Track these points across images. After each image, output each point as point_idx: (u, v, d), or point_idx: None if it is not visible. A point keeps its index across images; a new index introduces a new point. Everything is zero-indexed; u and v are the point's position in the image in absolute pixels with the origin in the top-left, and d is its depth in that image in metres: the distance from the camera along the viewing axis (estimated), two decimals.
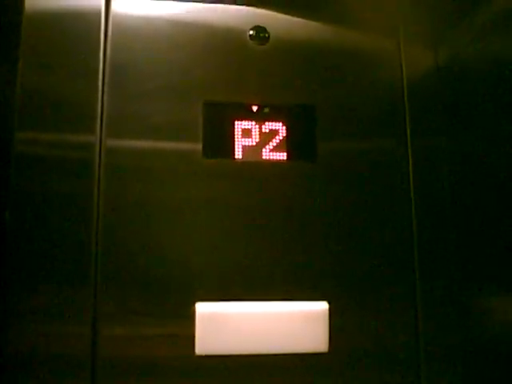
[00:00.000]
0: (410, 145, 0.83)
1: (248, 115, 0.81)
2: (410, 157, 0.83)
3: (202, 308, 0.74)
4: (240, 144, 0.80)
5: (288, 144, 0.81)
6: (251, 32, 0.84)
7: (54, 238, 0.74)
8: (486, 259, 0.82)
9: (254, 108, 0.81)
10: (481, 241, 0.82)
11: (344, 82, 0.84)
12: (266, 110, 0.82)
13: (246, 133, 0.81)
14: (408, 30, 0.87)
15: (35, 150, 0.75)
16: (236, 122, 0.80)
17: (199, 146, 0.79)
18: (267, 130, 0.81)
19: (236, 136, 0.80)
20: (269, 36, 0.84)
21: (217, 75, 0.82)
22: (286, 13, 0.85)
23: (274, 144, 0.81)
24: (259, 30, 0.84)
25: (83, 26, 0.79)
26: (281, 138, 0.81)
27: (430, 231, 0.82)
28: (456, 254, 0.81)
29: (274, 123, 0.81)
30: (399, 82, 0.85)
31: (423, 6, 0.89)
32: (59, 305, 0.72)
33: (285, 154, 0.81)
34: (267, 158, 0.80)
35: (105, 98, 0.78)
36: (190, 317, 0.74)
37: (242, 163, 0.80)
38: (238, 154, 0.80)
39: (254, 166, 0.80)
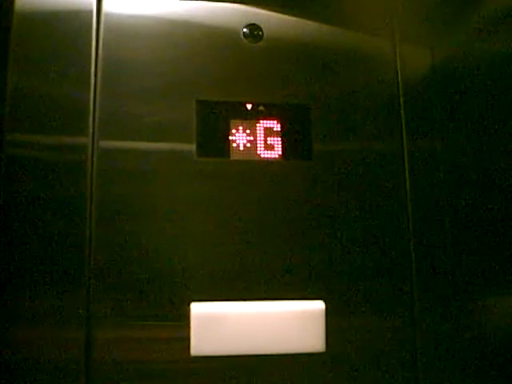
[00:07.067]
0: (406, 145, 0.83)
1: (242, 113, 0.80)
2: (405, 157, 0.82)
3: (197, 308, 0.73)
4: (235, 142, 0.79)
5: (283, 142, 0.80)
6: (245, 30, 0.83)
7: (45, 242, 0.72)
8: (483, 260, 0.81)
9: (249, 106, 0.81)
10: (478, 241, 0.82)
11: (339, 81, 0.84)
12: (261, 108, 0.81)
13: (241, 131, 0.80)
14: (404, 30, 0.87)
15: (26, 152, 0.74)
16: (230, 121, 0.79)
17: (193, 146, 0.78)
18: (262, 128, 0.80)
19: (230, 134, 0.79)
20: (263, 34, 0.83)
21: (211, 73, 0.81)
22: (280, 11, 0.84)
23: (269, 142, 0.80)
24: (253, 28, 0.83)
25: (74, 26, 0.78)
26: (276, 136, 0.80)
27: (427, 231, 0.81)
28: (453, 254, 0.81)
29: (268, 121, 0.80)
30: (394, 82, 0.84)
31: (419, 5, 0.88)
32: (52, 309, 0.71)
33: (280, 152, 0.80)
34: (262, 156, 0.79)
35: (97, 98, 0.77)
36: (185, 318, 0.73)
37: (237, 162, 0.79)
38: (233, 153, 0.79)
39: (249, 164, 0.79)
